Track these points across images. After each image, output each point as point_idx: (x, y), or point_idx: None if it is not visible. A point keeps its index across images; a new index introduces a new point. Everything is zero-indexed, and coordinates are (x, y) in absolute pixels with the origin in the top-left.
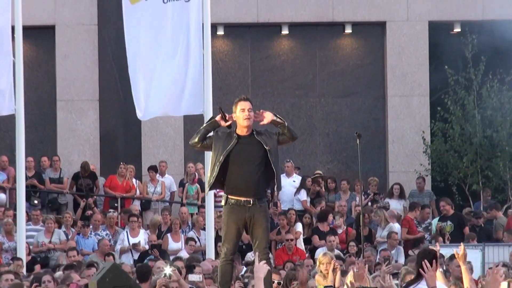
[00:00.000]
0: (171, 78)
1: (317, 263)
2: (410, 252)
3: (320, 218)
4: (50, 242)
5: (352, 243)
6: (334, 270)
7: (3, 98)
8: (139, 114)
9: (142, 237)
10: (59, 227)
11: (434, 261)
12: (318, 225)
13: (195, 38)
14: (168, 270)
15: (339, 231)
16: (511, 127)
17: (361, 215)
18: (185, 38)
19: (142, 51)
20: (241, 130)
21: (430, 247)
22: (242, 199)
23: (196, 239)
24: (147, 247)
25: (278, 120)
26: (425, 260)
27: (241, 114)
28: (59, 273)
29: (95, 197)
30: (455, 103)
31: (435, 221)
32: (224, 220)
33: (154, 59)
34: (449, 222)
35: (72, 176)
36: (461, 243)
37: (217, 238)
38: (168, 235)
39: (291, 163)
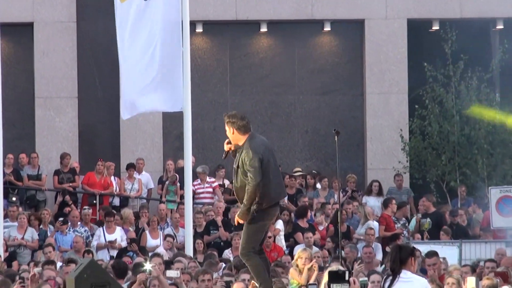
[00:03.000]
0: (150, 76)
1: (295, 256)
2: (387, 248)
3: (299, 215)
4: (22, 238)
5: (328, 239)
6: (311, 268)
7: None
8: (122, 114)
9: (119, 234)
10: (39, 224)
11: (411, 257)
12: (298, 222)
13: (173, 35)
14: (148, 266)
15: (320, 227)
16: (488, 125)
17: (339, 212)
18: (164, 35)
19: (125, 48)
20: None
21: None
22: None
23: (174, 236)
24: (123, 244)
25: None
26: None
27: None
28: (37, 269)
29: (71, 190)
30: (433, 100)
31: (413, 220)
32: None
33: (134, 57)
34: (428, 220)
35: (54, 172)
36: None
37: (195, 235)
38: (146, 232)
39: None
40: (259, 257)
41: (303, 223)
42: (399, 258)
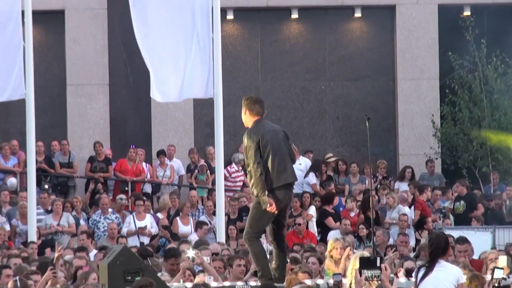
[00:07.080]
0: (181, 63)
1: (328, 247)
2: (416, 235)
3: (325, 201)
4: (58, 224)
5: (361, 226)
6: (347, 257)
7: (13, 83)
8: (158, 97)
9: (149, 221)
10: (72, 211)
11: (450, 247)
12: (326, 208)
13: (204, 22)
14: (191, 253)
15: (352, 214)
16: None
17: (370, 198)
18: (194, 22)
19: (151, 35)
20: None
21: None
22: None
23: (208, 223)
24: (153, 231)
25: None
26: None
27: None
28: (69, 257)
29: (102, 181)
30: (462, 86)
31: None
32: None
33: (163, 44)
34: (462, 202)
35: (88, 159)
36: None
37: (228, 221)
38: (177, 218)
39: (293, 146)
40: (260, 243)
41: (329, 210)
42: (443, 248)
